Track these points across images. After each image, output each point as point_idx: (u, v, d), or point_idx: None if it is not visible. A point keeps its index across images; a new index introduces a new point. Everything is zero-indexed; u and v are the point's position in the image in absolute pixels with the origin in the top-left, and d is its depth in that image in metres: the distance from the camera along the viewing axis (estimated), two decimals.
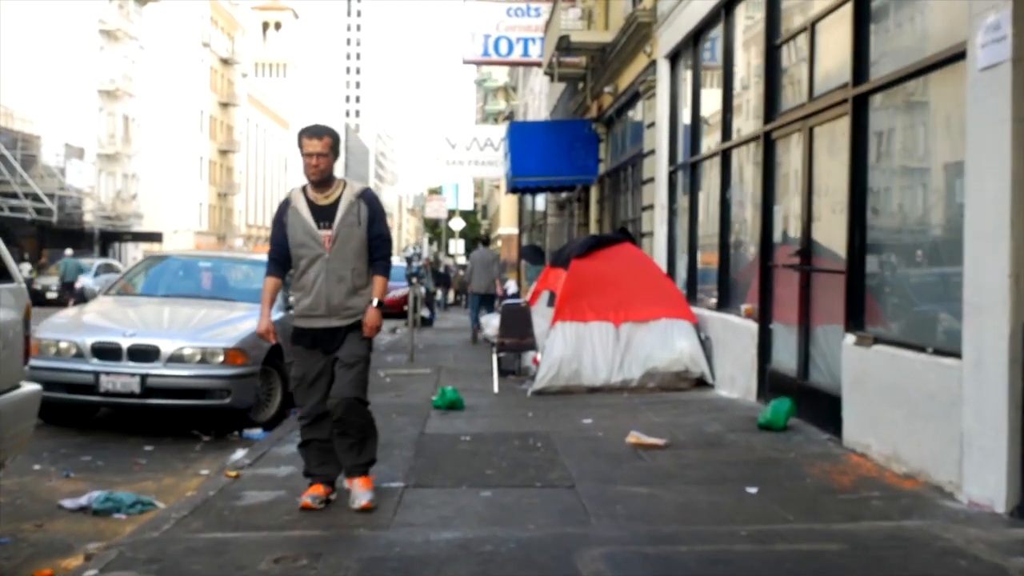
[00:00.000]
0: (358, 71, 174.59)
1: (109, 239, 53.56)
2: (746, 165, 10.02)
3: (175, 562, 4.44)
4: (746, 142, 9.84)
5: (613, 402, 9.42)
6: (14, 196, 42.52)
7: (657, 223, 13.08)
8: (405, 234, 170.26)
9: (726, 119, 10.50)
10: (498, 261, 19.39)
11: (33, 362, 6.32)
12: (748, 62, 10.09)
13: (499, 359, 11.18)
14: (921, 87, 6.48)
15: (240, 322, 8.74)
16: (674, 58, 12.60)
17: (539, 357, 10.40)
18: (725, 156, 10.45)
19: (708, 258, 11.39)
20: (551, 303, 10.77)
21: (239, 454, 7.23)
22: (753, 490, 5.77)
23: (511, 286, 20.25)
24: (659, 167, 12.97)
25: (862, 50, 6.98)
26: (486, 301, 17.90)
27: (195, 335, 8.55)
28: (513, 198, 36.37)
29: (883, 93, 6.82)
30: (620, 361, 10.15)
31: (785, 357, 8.46)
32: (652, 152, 13.33)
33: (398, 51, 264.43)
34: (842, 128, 7.24)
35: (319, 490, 5.48)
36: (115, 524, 5.59)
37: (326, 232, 5.39)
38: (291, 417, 8.18)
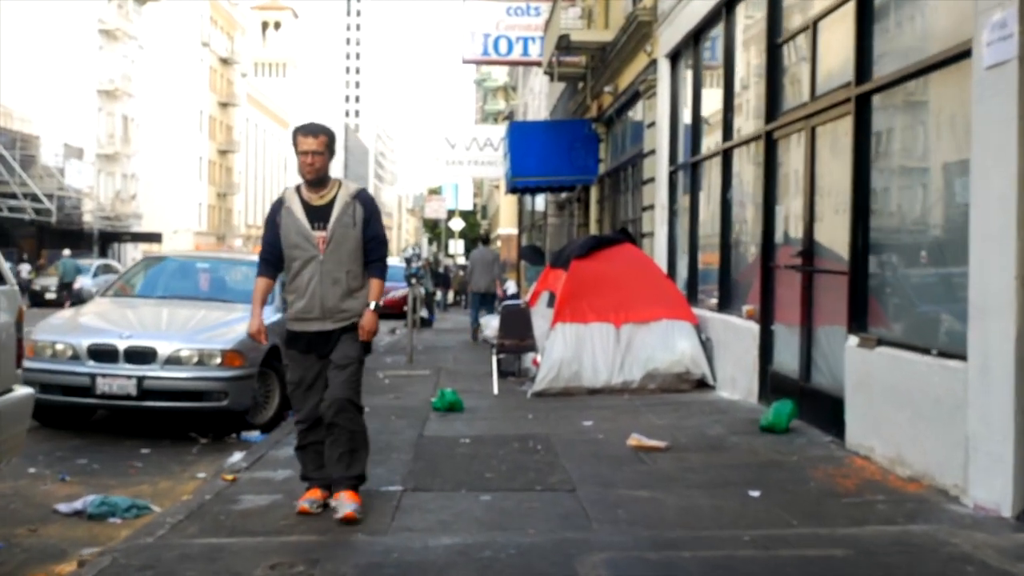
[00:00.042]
0: (358, 71, 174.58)
1: (108, 239, 53.57)
2: (747, 165, 9.95)
3: (169, 569, 4.38)
4: (747, 142, 9.77)
5: (614, 404, 9.36)
6: (13, 196, 42.49)
7: (657, 223, 13.02)
8: (404, 234, 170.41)
9: (727, 119, 10.44)
10: (498, 260, 19.30)
11: (29, 364, 6.28)
12: (749, 61, 10.03)
13: (499, 360, 11.12)
14: (925, 86, 6.41)
15: (238, 324, 8.64)
16: (675, 57, 12.54)
17: (539, 358, 10.34)
18: (726, 156, 10.39)
19: (709, 259, 11.33)
20: (551, 304, 10.71)
21: (236, 457, 7.17)
22: (756, 494, 5.71)
23: (511, 286, 20.18)
24: (659, 167, 12.91)
25: (865, 49, 6.91)
26: (486, 300, 17.85)
27: (192, 337, 8.49)
28: (513, 198, 36.33)
29: (886, 92, 6.75)
30: (621, 362, 10.10)
31: (787, 358, 8.40)
32: (652, 152, 13.27)
33: (398, 51, 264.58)
34: (845, 128, 7.17)
35: (316, 494, 5.41)
36: (110, 529, 5.54)
37: (320, 233, 5.30)
38: (289, 419, 8.11)
